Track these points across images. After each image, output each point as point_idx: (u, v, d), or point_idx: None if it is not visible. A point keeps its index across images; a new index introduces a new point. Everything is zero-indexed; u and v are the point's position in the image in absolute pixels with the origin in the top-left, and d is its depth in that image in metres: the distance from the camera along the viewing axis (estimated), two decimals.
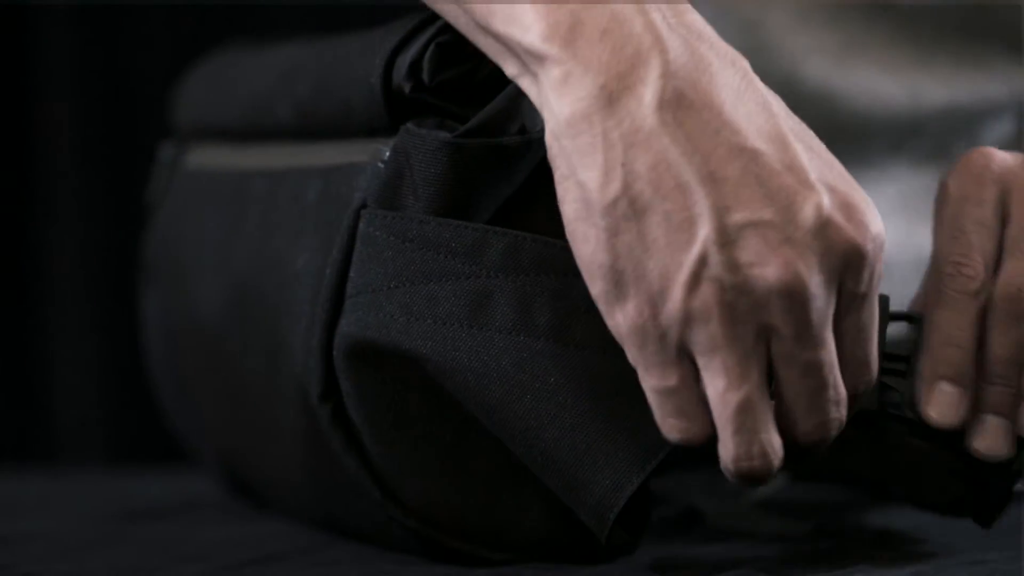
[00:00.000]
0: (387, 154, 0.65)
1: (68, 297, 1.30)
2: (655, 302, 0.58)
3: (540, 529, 0.66)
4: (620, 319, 0.59)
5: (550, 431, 0.62)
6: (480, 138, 0.63)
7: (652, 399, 0.60)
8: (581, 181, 0.59)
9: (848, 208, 0.58)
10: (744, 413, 0.58)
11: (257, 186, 0.75)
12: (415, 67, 0.64)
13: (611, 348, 0.62)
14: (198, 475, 0.93)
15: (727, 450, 0.59)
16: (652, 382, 0.59)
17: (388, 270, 0.64)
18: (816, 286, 0.58)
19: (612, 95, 0.58)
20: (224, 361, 0.77)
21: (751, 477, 0.59)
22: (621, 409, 0.62)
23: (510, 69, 0.62)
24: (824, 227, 0.58)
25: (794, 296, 0.57)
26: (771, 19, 0.85)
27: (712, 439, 0.59)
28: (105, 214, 1.31)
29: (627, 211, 0.58)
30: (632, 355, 0.60)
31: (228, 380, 0.77)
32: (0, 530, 0.82)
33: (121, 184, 1.30)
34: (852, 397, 0.60)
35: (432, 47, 0.64)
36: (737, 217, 0.57)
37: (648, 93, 0.58)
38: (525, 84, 0.62)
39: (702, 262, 0.57)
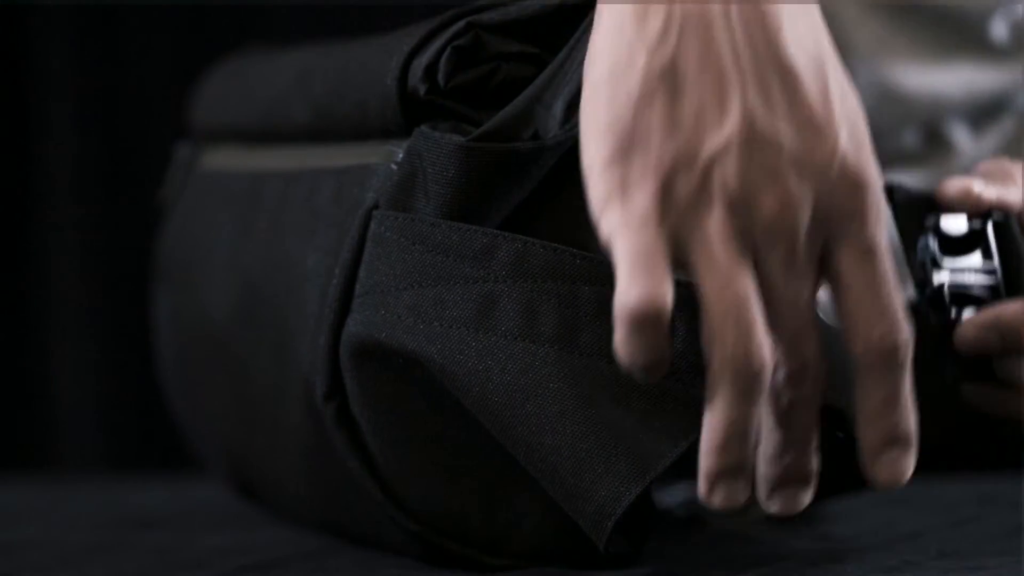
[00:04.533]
0: (400, 156, 0.65)
1: (69, 305, 1.30)
2: (660, 175, 0.58)
3: (541, 536, 0.66)
4: (614, 182, 0.58)
5: (551, 438, 0.62)
6: (493, 143, 0.63)
7: (622, 259, 0.57)
8: (629, 40, 0.59)
9: (859, 153, 0.59)
10: (742, 306, 0.57)
11: (270, 187, 0.75)
12: (431, 70, 0.64)
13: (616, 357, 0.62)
14: (199, 482, 0.93)
15: (722, 346, 0.57)
16: (627, 240, 0.57)
17: (397, 271, 0.64)
18: (806, 222, 0.58)
19: None
20: (232, 361, 0.77)
21: (748, 375, 0.57)
22: (623, 419, 0.62)
23: None
24: (831, 167, 0.58)
25: (785, 223, 0.57)
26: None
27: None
28: (107, 219, 1.31)
29: (666, 82, 0.58)
30: (614, 217, 0.58)
31: (236, 380, 0.77)
32: (1, 537, 0.82)
33: (123, 189, 1.31)
34: (889, 352, 0.59)
35: (448, 50, 0.64)
36: (764, 126, 0.58)
37: None
38: None
39: (719, 156, 0.57)
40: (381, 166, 0.66)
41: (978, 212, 0.65)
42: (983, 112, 0.91)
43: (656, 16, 0.58)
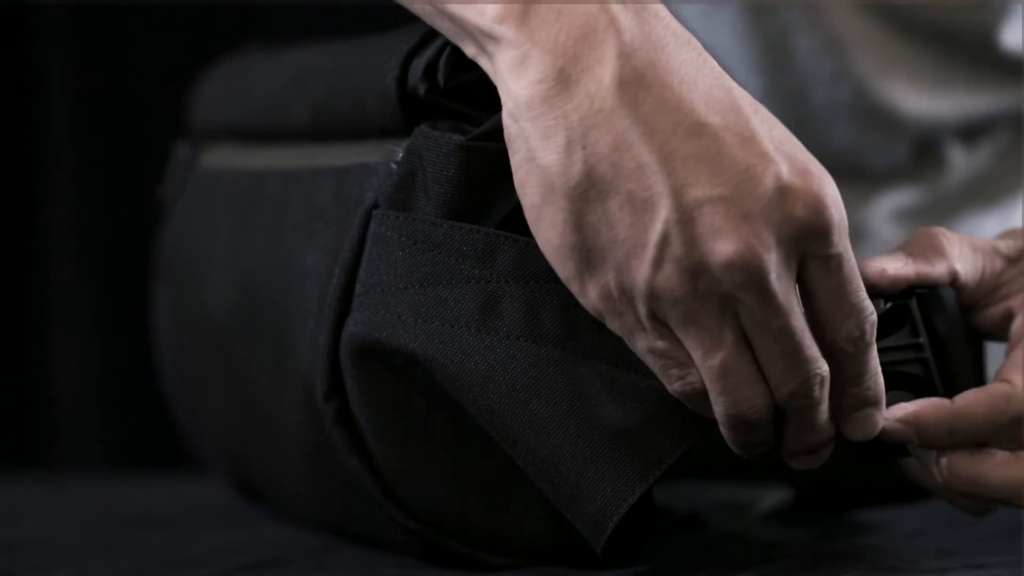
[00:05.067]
0: (400, 155, 0.65)
1: (69, 305, 1.30)
2: (622, 279, 0.59)
3: (541, 534, 0.66)
4: (594, 295, 0.60)
5: (554, 437, 0.62)
6: (493, 142, 0.63)
7: (647, 360, 0.61)
8: (543, 165, 0.59)
9: (806, 175, 0.59)
10: (725, 375, 0.59)
11: (270, 186, 0.75)
12: (431, 69, 0.64)
13: (618, 357, 0.62)
14: (199, 480, 0.93)
15: (718, 408, 0.60)
16: (640, 345, 0.61)
17: (398, 271, 0.64)
18: (774, 260, 0.58)
19: (571, 77, 0.59)
20: (232, 360, 0.77)
21: (746, 425, 0.60)
22: (626, 420, 0.62)
23: (469, 50, 0.63)
24: (783, 197, 0.58)
25: (750, 271, 0.58)
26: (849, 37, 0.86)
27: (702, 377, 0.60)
28: (106, 218, 1.31)
29: (591, 192, 0.59)
30: (612, 325, 0.61)
31: (236, 379, 0.77)
32: (1, 536, 0.82)
33: (123, 189, 1.31)
34: (854, 344, 0.61)
35: (448, 49, 0.64)
36: (696, 194, 0.58)
37: (607, 74, 0.59)
38: (483, 63, 0.62)
39: (664, 242, 0.58)
40: (381, 165, 0.66)
41: (896, 291, 0.65)
42: (976, 128, 0.91)
43: (557, 132, 0.59)
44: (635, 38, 0.59)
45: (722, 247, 0.58)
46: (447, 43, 0.64)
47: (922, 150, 0.90)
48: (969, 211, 0.90)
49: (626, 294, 0.59)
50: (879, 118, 0.88)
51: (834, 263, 0.59)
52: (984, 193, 0.91)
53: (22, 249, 1.31)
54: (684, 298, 0.58)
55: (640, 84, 0.59)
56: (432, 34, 0.65)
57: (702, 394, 0.60)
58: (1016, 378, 0.65)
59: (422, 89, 0.65)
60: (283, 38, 0.85)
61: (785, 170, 0.58)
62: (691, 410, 0.62)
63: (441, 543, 0.67)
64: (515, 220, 0.64)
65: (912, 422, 0.64)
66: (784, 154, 0.59)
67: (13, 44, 1.29)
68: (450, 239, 0.64)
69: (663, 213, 0.58)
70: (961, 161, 0.90)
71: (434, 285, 0.64)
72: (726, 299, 0.59)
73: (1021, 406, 0.64)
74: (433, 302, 0.64)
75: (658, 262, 0.58)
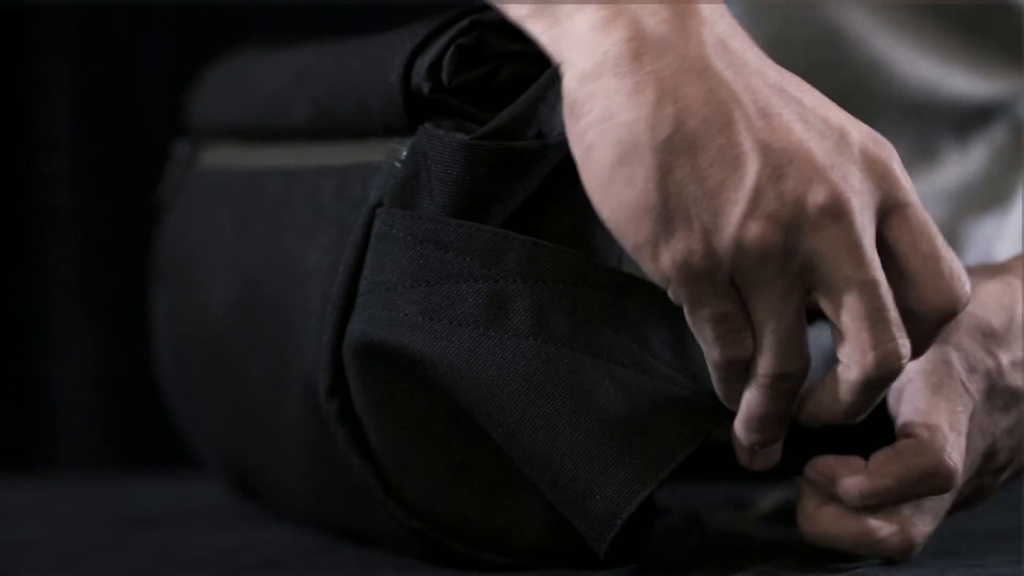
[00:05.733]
0: (404, 154, 0.65)
1: (69, 305, 1.30)
2: (708, 239, 0.59)
3: (541, 534, 0.66)
4: (667, 259, 0.60)
5: (562, 435, 0.62)
6: (498, 141, 0.63)
7: (705, 328, 0.61)
8: (626, 121, 0.59)
9: (872, 133, 0.61)
10: (787, 338, 0.60)
11: (271, 185, 0.75)
12: (435, 68, 0.64)
13: (625, 357, 0.62)
14: (198, 481, 0.93)
15: (767, 369, 0.61)
16: (705, 312, 0.60)
17: (404, 269, 0.64)
18: (859, 206, 0.59)
19: (662, 37, 0.60)
20: (232, 359, 0.77)
21: (787, 384, 0.61)
22: (635, 417, 0.62)
23: (519, 11, 0.63)
24: (861, 150, 0.60)
25: (841, 216, 0.59)
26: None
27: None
28: (105, 218, 1.31)
29: (680, 147, 0.59)
30: (681, 293, 0.60)
31: (236, 378, 0.77)
32: (0, 537, 0.82)
33: (122, 187, 1.31)
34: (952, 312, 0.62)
35: (452, 49, 0.64)
36: (786, 147, 0.59)
37: (694, 37, 0.60)
38: (534, 26, 0.62)
39: (756, 197, 0.59)
40: (385, 164, 0.66)
41: None
42: (970, 121, 0.91)
43: (647, 88, 0.59)
44: (714, 12, 0.61)
45: (814, 195, 0.59)
46: (451, 42, 0.64)
47: (918, 146, 0.90)
48: (967, 212, 0.90)
49: (711, 254, 0.59)
50: (876, 114, 0.88)
51: (918, 213, 0.61)
52: (981, 194, 0.91)
53: (22, 249, 1.31)
54: (772, 254, 0.59)
55: (725, 49, 0.60)
56: (435, 33, 0.65)
57: (745, 361, 0.61)
58: (918, 430, 0.64)
59: (426, 88, 0.65)
60: (283, 37, 0.85)
61: (852, 130, 0.60)
62: (698, 408, 0.62)
63: (441, 542, 0.67)
64: (518, 220, 0.64)
65: (829, 475, 0.65)
66: (848, 117, 0.61)
67: (13, 44, 1.29)
68: (457, 238, 0.64)
69: (754, 167, 0.59)
70: (954, 157, 0.90)
71: (441, 284, 0.64)
72: (810, 254, 0.59)
73: (931, 455, 0.64)
74: (440, 300, 0.64)
75: (749, 217, 0.59)
